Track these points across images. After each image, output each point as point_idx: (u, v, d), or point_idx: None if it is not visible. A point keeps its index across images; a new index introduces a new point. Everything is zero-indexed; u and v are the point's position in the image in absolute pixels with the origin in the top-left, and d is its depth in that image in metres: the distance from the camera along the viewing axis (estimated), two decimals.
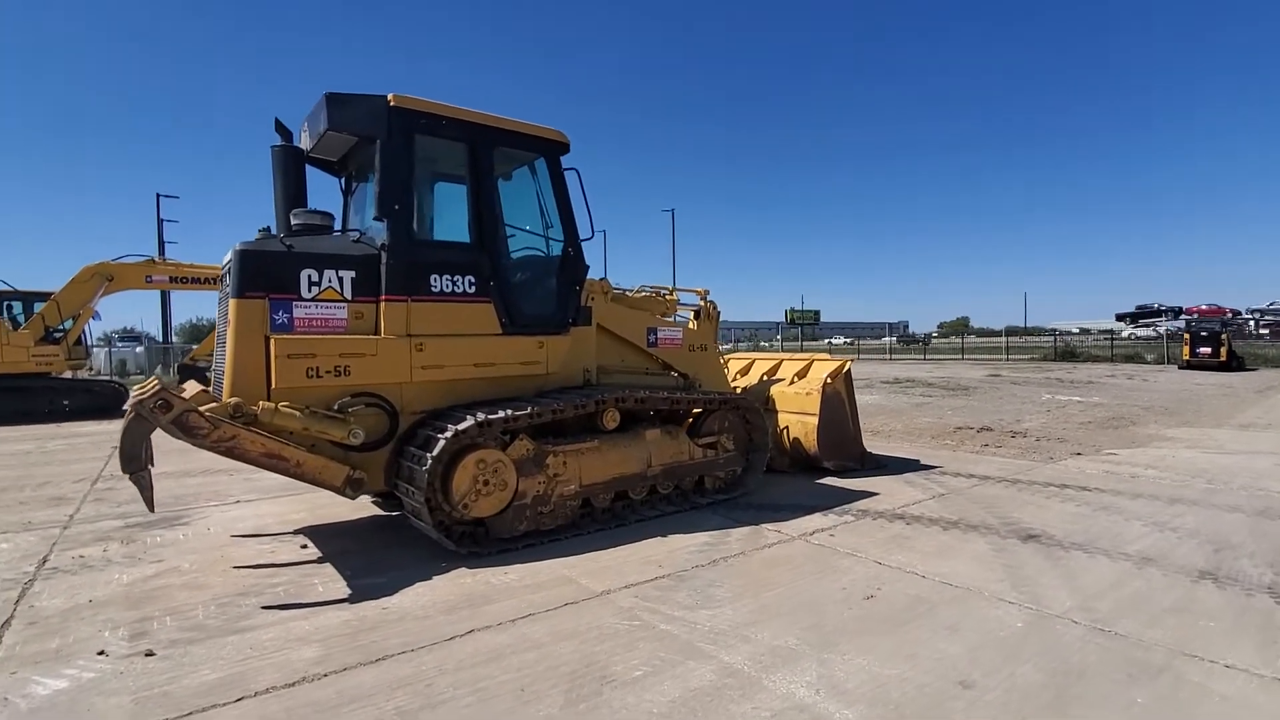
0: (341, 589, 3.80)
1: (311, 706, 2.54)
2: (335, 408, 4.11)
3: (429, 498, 4.11)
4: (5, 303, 14.73)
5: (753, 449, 5.95)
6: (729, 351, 9.63)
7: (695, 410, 5.67)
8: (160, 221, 31.96)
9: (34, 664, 2.93)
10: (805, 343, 48.84)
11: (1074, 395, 14.80)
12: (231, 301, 4.01)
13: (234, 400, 3.84)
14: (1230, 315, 45.68)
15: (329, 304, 4.20)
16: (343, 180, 5.43)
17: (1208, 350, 22.78)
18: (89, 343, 16.36)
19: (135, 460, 3.52)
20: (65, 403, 14.09)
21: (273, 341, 3.97)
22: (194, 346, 20.18)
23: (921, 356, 38.79)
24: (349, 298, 4.27)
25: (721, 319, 7.44)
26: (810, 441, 6.54)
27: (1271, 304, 51.87)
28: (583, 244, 5.21)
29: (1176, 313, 51.53)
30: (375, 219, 4.39)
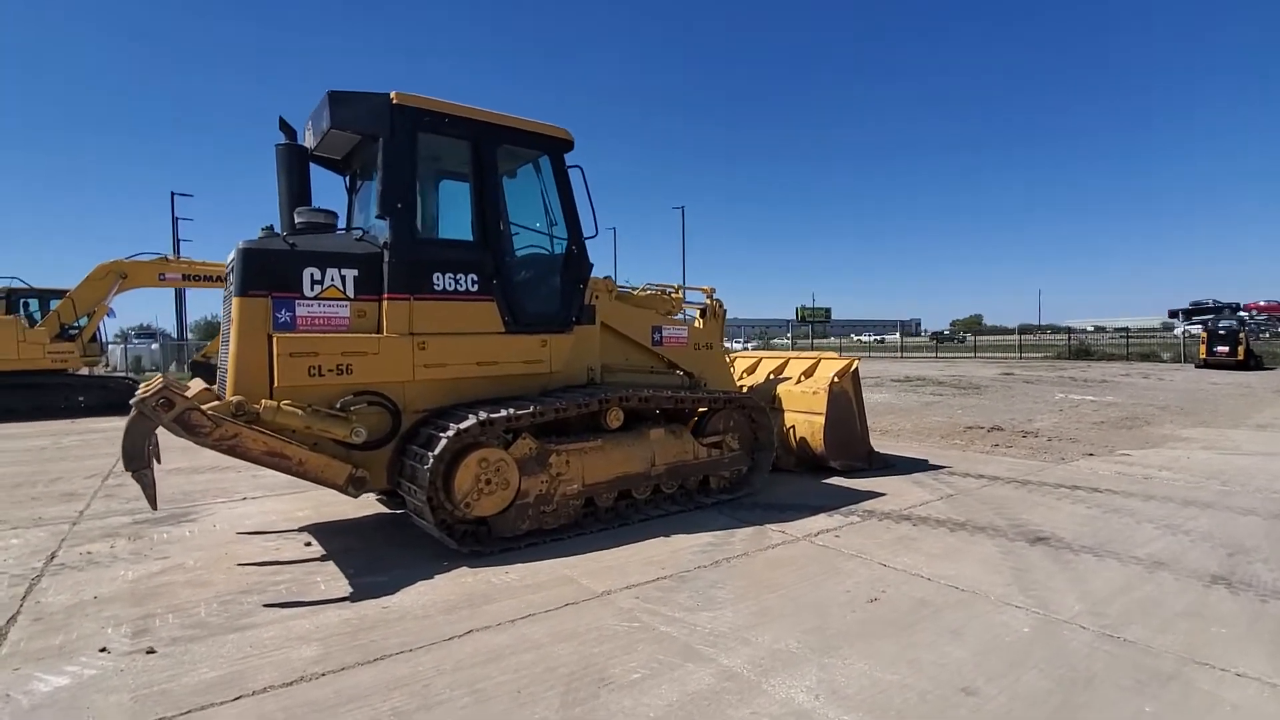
0: (343, 587, 3.80)
1: (308, 706, 2.54)
2: (338, 406, 4.11)
3: (431, 496, 4.11)
4: (22, 300, 14.92)
5: (758, 448, 5.90)
6: (740, 351, 9.56)
7: (700, 409, 5.64)
8: (175, 220, 32.29)
9: (37, 660, 2.95)
10: (816, 341, 48.61)
11: (1088, 394, 14.62)
12: (234, 300, 4.01)
13: (236, 398, 3.84)
14: None
15: (331, 302, 4.20)
16: (347, 178, 5.43)
17: (1225, 349, 22.43)
18: (104, 339, 16.54)
19: (137, 458, 3.53)
20: (80, 399, 14.27)
21: (275, 340, 3.98)
22: (208, 343, 20.38)
23: (934, 355, 38.49)
24: (351, 296, 4.27)
25: (732, 317, 7.40)
26: (817, 441, 6.48)
27: None
28: (587, 242, 5.18)
29: (1235, 309, 50.24)
30: (378, 217, 4.39)
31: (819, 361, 7.19)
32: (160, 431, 3.74)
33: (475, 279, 4.64)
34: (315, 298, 4.15)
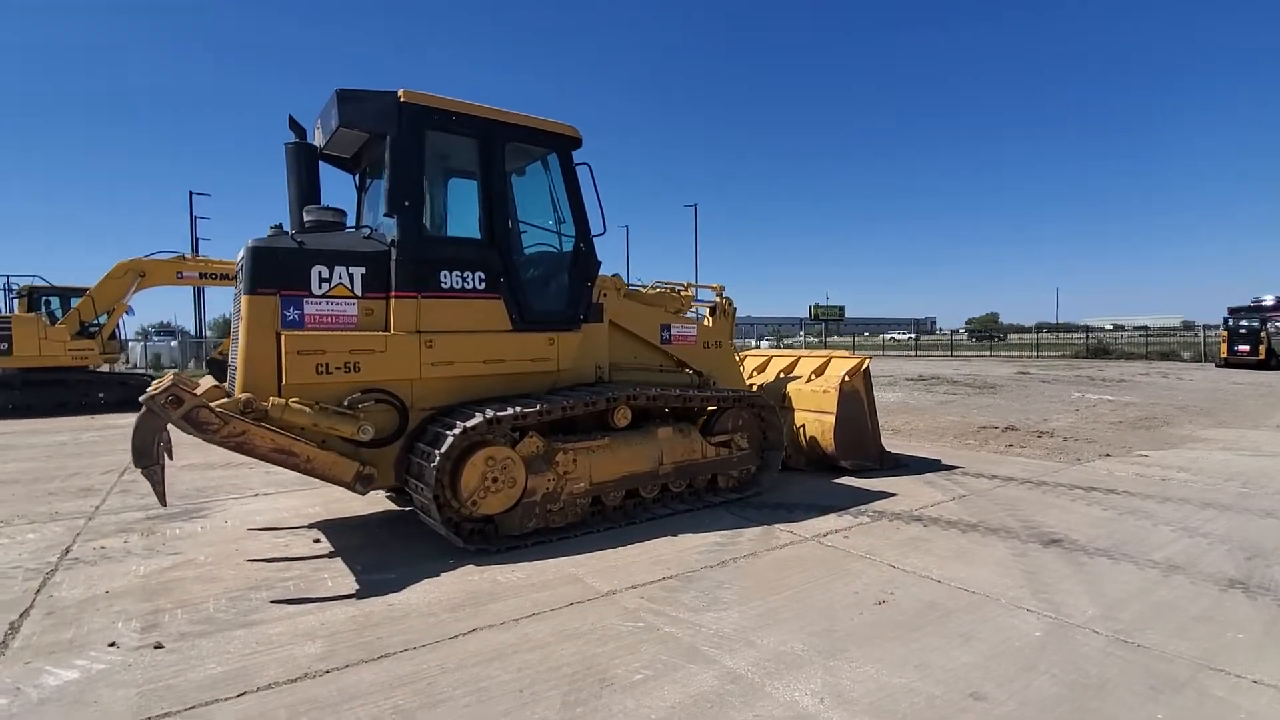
0: (350, 584, 3.82)
1: (311, 703, 2.55)
2: (345, 404, 4.13)
3: (438, 494, 4.12)
4: (43, 298, 15.20)
5: (767, 447, 5.86)
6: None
7: (709, 408, 5.61)
8: (193, 219, 32.70)
9: (48, 654, 2.99)
10: (839, 339, 48.25)
11: (1105, 394, 14.40)
12: (243, 298, 4.04)
13: (245, 396, 3.87)
14: None
15: (339, 300, 4.22)
16: (356, 177, 5.46)
17: (1246, 348, 22.03)
18: (123, 337, 16.80)
19: (147, 455, 3.56)
20: (100, 395, 14.50)
21: (283, 338, 4.00)
22: (225, 341, 20.62)
23: (948, 353, 38.12)
24: (359, 294, 4.28)
25: (744, 315, 7.35)
26: (827, 440, 6.43)
27: None
28: (595, 240, 5.16)
29: None
30: (385, 215, 4.40)
31: (830, 360, 7.13)
32: (173, 428, 3.78)
33: (483, 277, 4.64)
34: (323, 296, 4.17)
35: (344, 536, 4.77)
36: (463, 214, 5.18)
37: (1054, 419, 10.58)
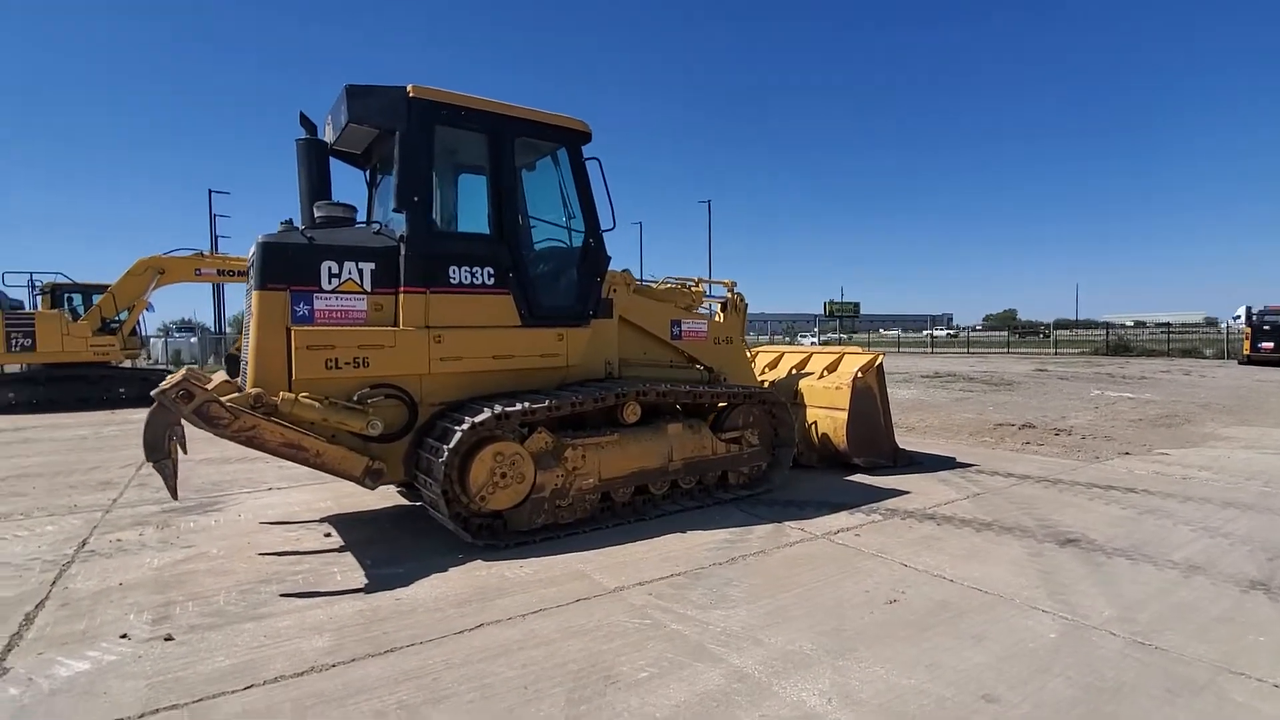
0: (359, 578, 3.83)
1: (317, 697, 2.55)
2: (354, 399, 4.14)
3: (446, 489, 4.12)
4: (65, 295, 15.45)
5: (778, 444, 5.81)
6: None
7: (720, 404, 5.57)
8: (212, 217, 33.08)
9: (61, 645, 3.03)
10: (855, 337, 47.89)
11: (1125, 391, 14.16)
12: (254, 293, 4.06)
13: (255, 391, 3.89)
14: None
15: (349, 296, 4.23)
16: (368, 173, 5.47)
17: (1270, 345, 21.53)
18: (143, 333, 17.05)
19: (158, 449, 3.60)
20: (121, 390, 14.71)
21: (293, 333, 4.02)
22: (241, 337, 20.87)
23: (965, 350, 37.71)
24: (368, 289, 4.29)
25: (759, 311, 7.30)
26: (839, 437, 6.36)
27: None
28: (605, 235, 5.13)
29: None
30: (394, 210, 4.40)
31: (842, 356, 7.06)
32: (188, 423, 3.81)
33: (492, 272, 4.63)
34: (333, 291, 4.18)
35: (355, 531, 4.79)
36: (472, 209, 5.17)
37: (1072, 416, 10.42)
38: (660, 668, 2.76)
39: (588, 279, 5.09)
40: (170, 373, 16.53)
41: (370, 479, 4.17)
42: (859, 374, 6.43)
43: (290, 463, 4.10)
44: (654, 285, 6.10)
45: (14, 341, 13.52)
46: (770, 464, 5.78)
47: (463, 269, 4.51)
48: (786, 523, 4.81)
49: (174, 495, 3.89)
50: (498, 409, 4.20)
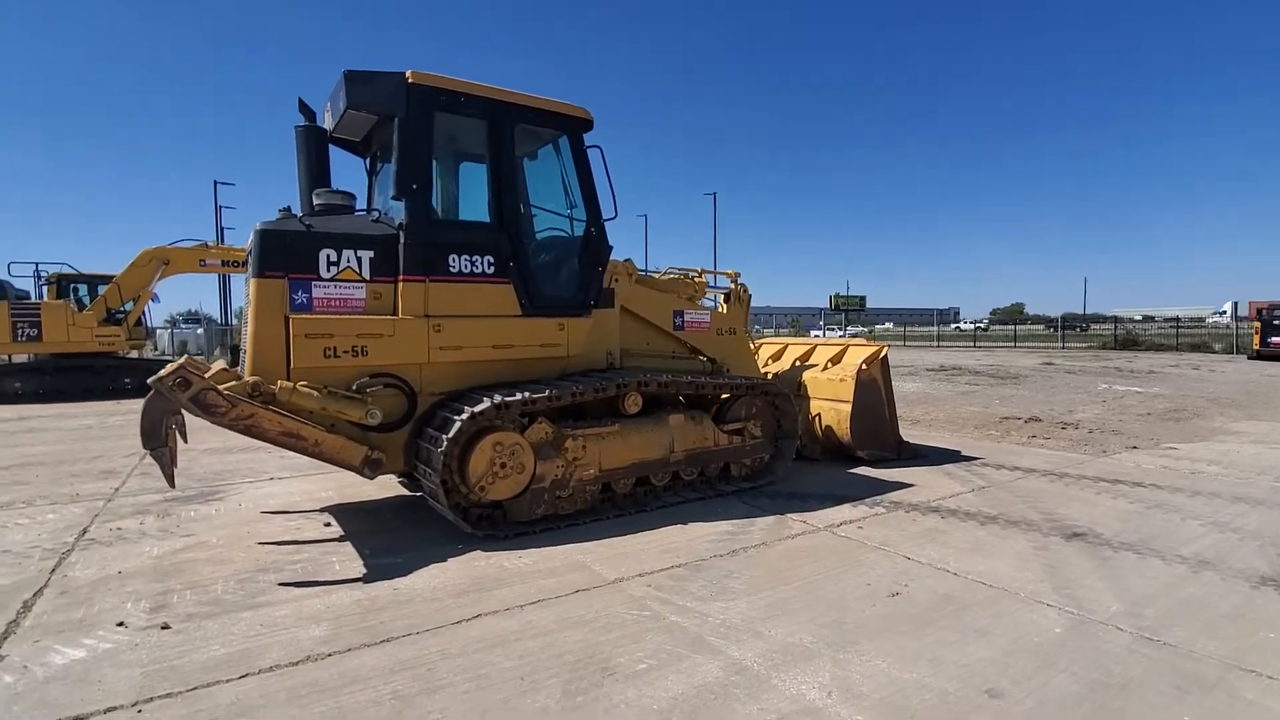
0: (357, 568, 3.81)
1: (311, 686, 2.53)
2: (353, 388, 4.11)
3: (446, 479, 4.09)
4: (71, 285, 15.48)
5: (781, 436, 5.77)
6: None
7: (722, 395, 5.52)
8: (218, 208, 33.15)
9: (58, 633, 3.01)
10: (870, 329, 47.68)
11: (1133, 385, 14.04)
12: (252, 281, 4.03)
13: (253, 379, 3.86)
14: None
15: (347, 284, 4.19)
16: (368, 161, 5.42)
17: None
18: (149, 323, 17.09)
19: (155, 437, 3.58)
20: (127, 380, 14.76)
21: (291, 321, 3.98)
22: None
23: (972, 344, 37.52)
24: (367, 278, 4.25)
25: (764, 304, 7.26)
26: (843, 429, 6.31)
27: None
28: (607, 224, 5.08)
29: None
30: (393, 198, 4.35)
31: (847, 348, 7.00)
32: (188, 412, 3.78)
33: (492, 261, 4.58)
34: (331, 279, 4.14)
35: (355, 521, 4.78)
36: (473, 197, 5.12)
37: (1079, 410, 10.33)
38: (658, 659, 2.72)
39: (589, 268, 5.04)
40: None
41: (369, 468, 4.14)
42: (863, 366, 6.37)
43: (291, 452, 4.08)
44: (656, 276, 6.05)
45: (20, 331, 13.57)
46: (773, 456, 5.73)
47: (463, 258, 4.47)
48: (789, 515, 4.77)
49: (170, 483, 3.88)
50: (498, 399, 4.16)
